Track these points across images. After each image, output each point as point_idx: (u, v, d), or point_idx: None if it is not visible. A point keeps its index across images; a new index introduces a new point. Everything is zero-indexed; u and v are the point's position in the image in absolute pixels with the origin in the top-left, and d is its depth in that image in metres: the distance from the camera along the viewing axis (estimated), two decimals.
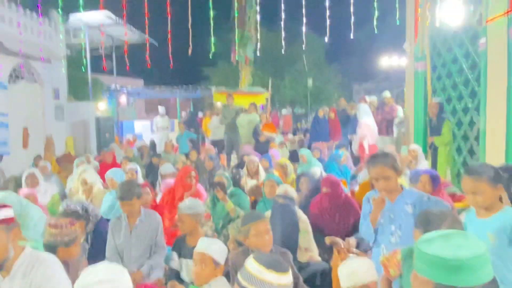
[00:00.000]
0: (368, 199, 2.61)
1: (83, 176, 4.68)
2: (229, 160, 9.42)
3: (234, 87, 14.80)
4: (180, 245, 3.27)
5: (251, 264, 1.59)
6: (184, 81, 19.87)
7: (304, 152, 6.70)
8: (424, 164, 5.54)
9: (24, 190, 4.66)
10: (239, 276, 1.61)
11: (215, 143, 10.04)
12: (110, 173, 4.73)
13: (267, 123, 9.58)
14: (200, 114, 16.04)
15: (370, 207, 2.54)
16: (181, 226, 3.22)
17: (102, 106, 13.79)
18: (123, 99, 18.50)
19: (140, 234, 3.30)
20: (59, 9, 6.68)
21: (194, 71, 25.11)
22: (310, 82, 17.05)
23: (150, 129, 16.71)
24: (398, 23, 6.76)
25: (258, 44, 6.96)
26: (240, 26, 14.64)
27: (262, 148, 8.49)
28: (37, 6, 7.14)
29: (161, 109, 12.32)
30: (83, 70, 11.28)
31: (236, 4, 14.57)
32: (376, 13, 6.22)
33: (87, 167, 5.27)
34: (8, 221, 1.84)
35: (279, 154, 7.37)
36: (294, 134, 13.52)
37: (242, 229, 2.84)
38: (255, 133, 9.22)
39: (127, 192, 3.24)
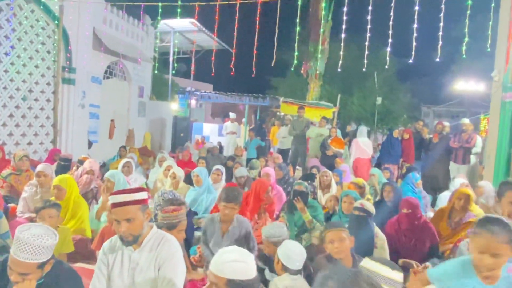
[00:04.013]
0: None
1: (172, 170, 5.11)
2: (293, 171, 9.58)
3: (301, 99, 14.95)
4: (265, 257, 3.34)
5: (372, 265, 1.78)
6: (250, 89, 20.46)
7: (375, 172, 6.71)
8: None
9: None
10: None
11: (280, 153, 10.26)
12: (196, 171, 5.11)
13: (335, 138, 9.64)
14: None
15: None
16: (264, 249, 3.29)
17: (174, 107, 14.64)
18: (193, 101, 19.45)
19: (231, 240, 3.42)
20: (159, 17, 7.31)
21: (261, 81, 25.67)
22: (379, 100, 16.72)
23: (217, 132, 17.41)
24: (488, 50, 6.58)
25: (340, 60, 7.07)
26: (314, 39, 14.85)
27: (328, 162, 8.56)
28: (140, 13, 7.85)
29: (232, 114, 12.82)
30: (173, 72, 11.95)
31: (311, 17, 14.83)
32: (467, 38, 6.12)
33: (173, 162, 5.72)
34: (144, 202, 2.15)
35: (349, 170, 7.40)
36: None
37: (321, 236, 3.09)
38: (323, 146, 9.32)
39: (236, 196, 3.40)
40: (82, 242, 3.86)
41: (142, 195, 2.15)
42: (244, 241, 3.46)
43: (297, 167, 9.59)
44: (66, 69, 8.49)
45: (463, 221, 4.22)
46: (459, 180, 5.65)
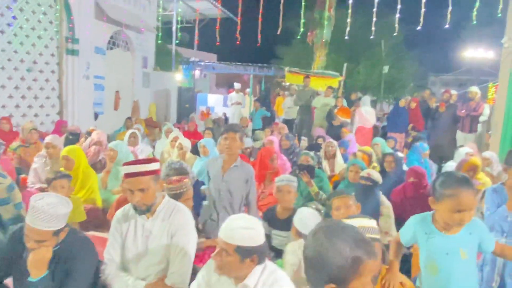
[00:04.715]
0: (495, 190, 2.75)
1: (179, 141, 5.15)
2: (299, 141, 9.60)
3: (306, 68, 14.73)
4: (270, 216, 3.44)
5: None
6: (255, 59, 20.13)
7: (378, 141, 6.68)
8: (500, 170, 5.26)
9: (128, 148, 5.21)
10: None
11: (286, 123, 10.24)
12: (203, 141, 5.14)
13: (341, 108, 9.58)
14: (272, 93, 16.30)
15: (499, 198, 2.64)
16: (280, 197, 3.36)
17: (178, 77, 14.53)
18: (197, 72, 19.24)
19: (232, 180, 3.39)
20: None
21: (266, 50, 25.26)
22: (386, 69, 16.42)
23: (222, 103, 17.34)
24: (499, 15, 6.40)
25: (348, 27, 6.89)
26: (320, 6, 14.47)
27: (334, 132, 8.55)
28: None
29: (237, 85, 12.72)
30: (176, 42, 11.76)
31: None
32: (478, 3, 5.94)
33: (180, 133, 5.75)
34: (156, 172, 2.19)
35: (355, 140, 7.40)
36: None
37: (327, 203, 3.14)
38: (329, 116, 9.28)
39: (234, 126, 3.36)
40: (93, 211, 3.95)
41: (155, 166, 2.18)
42: (244, 186, 3.43)
43: (302, 137, 9.61)
44: (69, 40, 8.40)
45: None
46: (464, 149, 5.63)
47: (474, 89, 8.27)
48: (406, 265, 3.45)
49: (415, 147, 5.64)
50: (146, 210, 2.13)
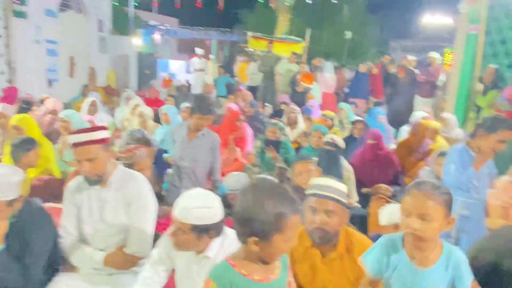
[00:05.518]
0: (462, 151, 2.87)
1: (139, 109, 5.00)
2: (263, 107, 9.58)
3: (270, 33, 14.52)
4: None
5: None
6: (217, 24, 19.61)
7: (344, 106, 6.80)
8: (458, 132, 5.55)
9: (86, 116, 5.02)
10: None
11: (250, 90, 10.16)
12: (164, 108, 5.02)
13: (305, 74, 9.59)
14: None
15: (466, 158, 2.81)
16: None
17: (138, 42, 13.92)
18: (157, 37, 18.53)
19: (198, 148, 3.37)
20: None
21: (229, 15, 24.59)
22: (348, 35, 16.46)
23: (184, 70, 16.88)
24: None
25: None
26: None
27: (298, 98, 8.60)
28: None
29: (199, 50, 12.37)
30: (134, 4, 11.20)
31: None
32: None
33: (141, 101, 5.57)
34: (106, 141, 2.11)
35: (318, 105, 7.48)
36: None
37: (290, 170, 3.22)
38: (292, 82, 9.29)
39: (207, 106, 3.26)
40: (52, 182, 3.80)
41: (103, 134, 2.11)
42: (209, 155, 3.43)
43: (266, 104, 9.60)
44: (16, 1, 7.81)
45: (422, 150, 4.46)
46: (419, 113, 5.83)
47: (433, 54, 8.50)
48: (364, 223, 3.63)
49: (371, 112, 5.80)
50: (97, 180, 2.08)
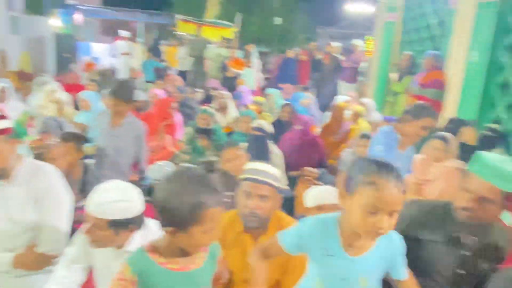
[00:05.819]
0: (393, 133, 3.09)
1: (55, 95, 4.62)
2: (193, 93, 9.41)
3: (199, 17, 14.21)
4: None
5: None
6: (144, 5, 18.74)
7: (271, 92, 6.91)
8: (376, 116, 5.80)
9: None
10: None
11: (180, 74, 9.92)
12: (82, 94, 4.70)
13: (235, 59, 9.55)
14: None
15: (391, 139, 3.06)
16: None
17: (56, 23, 12.83)
18: (78, 17, 17.24)
19: (121, 136, 3.23)
20: None
21: None
22: (278, 21, 16.69)
23: (108, 53, 15.94)
24: None
25: None
26: None
27: (229, 83, 8.56)
28: None
29: (125, 33, 11.74)
30: None
31: None
32: None
33: (57, 86, 5.15)
34: (7, 131, 1.88)
35: (249, 91, 7.51)
36: None
37: (219, 156, 3.21)
38: (222, 67, 9.23)
39: (127, 92, 3.14)
40: None
41: (2, 124, 1.86)
42: (134, 144, 3.28)
43: (197, 89, 9.44)
44: None
45: (342, 132, 4.70)
46: (341, 97, 6.10)
47: (356, 42, 8.92)
48: (290, 205, 3.74)
49: (294, 96, 5.96)
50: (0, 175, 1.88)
